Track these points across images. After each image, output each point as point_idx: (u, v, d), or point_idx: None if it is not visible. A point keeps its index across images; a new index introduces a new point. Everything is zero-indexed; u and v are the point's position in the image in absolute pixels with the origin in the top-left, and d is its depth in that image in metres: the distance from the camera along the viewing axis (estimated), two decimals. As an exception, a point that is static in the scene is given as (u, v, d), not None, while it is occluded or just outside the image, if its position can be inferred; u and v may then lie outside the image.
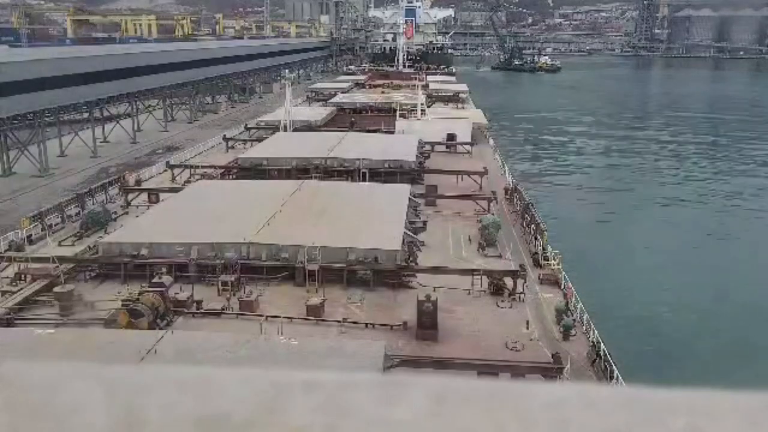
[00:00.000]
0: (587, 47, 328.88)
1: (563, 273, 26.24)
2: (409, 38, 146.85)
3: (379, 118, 63.43)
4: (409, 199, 32.53)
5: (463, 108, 76.74)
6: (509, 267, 25.91)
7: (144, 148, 70.67)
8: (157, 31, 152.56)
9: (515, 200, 37.38)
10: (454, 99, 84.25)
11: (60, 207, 33.49)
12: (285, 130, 53.99)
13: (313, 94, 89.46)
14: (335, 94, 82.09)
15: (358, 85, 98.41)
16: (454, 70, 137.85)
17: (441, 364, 18.43)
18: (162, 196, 36.41)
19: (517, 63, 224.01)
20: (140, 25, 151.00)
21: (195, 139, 67.52)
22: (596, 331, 21.31)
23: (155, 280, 22.72)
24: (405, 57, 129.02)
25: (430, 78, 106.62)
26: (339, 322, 21.68)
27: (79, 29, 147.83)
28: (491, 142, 61.00)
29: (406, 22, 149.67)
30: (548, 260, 27.63)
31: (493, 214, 33.12)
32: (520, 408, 0.94)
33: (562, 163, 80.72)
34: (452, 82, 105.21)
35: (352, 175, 39.42)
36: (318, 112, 64.56)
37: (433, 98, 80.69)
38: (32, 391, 0.96)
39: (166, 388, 0.98)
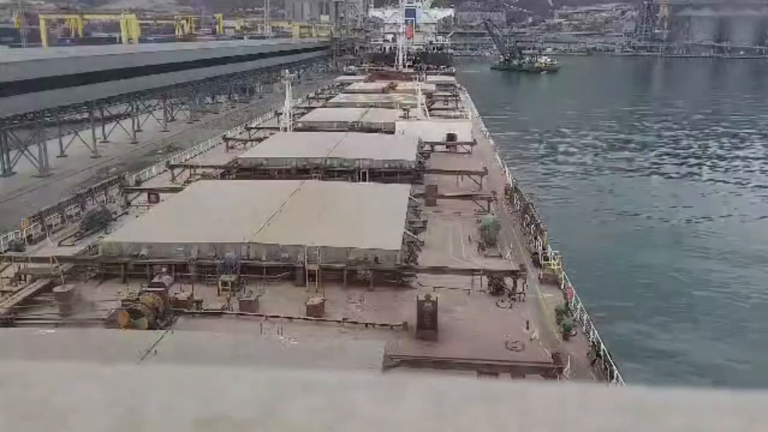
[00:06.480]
0: (587, 47, 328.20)
1: (563, 273, 26.23)
2: (409, 38, 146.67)
3: None
4: (409, 199, 32.56)
5: (462, 109, 76.74)
6: (509, 267, 25.90)
7: (144, 148, 70.66)
8: (141, 32, 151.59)
9: (515, 200, 37.37)
10: (453, 99, 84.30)
11: (60, 207, 33.48)
12: (285, 130, 54.09)
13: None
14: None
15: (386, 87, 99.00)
16: (453, 70, 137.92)
17: (441, 364, 18.44)
18: (162, 196, 36.44)
19: (515, 63, 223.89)
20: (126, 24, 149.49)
21: (195, 139, 67.50)
22: (596, 331, 21.31)
23: (155, 280, 22.77)
24: (405, 57, 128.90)
25: (430, 78, 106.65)
26: (339, 322, 21.71)
27: (53, 29, 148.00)
28: (491, 142, 61.03)
29: (406, 22, 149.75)
30: (548, 260, 27.63)
31: (493, 214, 33.13)
32: (520, 408, 0.94)
33: (562, 163, 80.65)
34: (452, 82, 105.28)
35: (352, 175, 39.44)
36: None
37: (433, 98, 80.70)
38: (32, 391, 0.96)
39: (166, 388, 0.98)
